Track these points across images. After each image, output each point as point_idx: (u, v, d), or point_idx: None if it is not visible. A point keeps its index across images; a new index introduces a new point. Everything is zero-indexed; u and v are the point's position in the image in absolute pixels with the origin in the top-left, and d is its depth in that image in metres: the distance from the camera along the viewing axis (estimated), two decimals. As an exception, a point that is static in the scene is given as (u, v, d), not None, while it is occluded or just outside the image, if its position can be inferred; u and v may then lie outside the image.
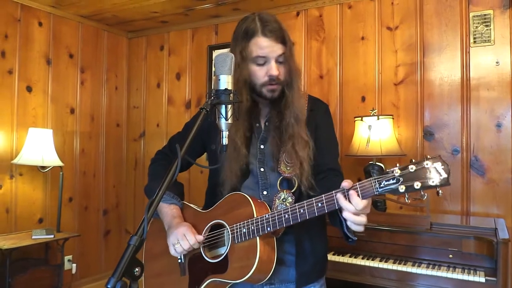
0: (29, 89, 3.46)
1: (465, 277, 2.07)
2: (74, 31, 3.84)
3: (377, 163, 2.72)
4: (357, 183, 1.14)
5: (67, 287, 3.57)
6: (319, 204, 1.19)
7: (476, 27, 2.76)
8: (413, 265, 2.23)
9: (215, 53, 3.71)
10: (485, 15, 2.73)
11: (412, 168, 1.05)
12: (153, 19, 3.90)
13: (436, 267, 2.19)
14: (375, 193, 1.10)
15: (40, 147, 3.19)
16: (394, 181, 1.07)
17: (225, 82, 1.12)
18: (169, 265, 1.44)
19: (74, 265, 3.75)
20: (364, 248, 2.42)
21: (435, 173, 1.03)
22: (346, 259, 2.36)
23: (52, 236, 3.17)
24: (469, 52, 2.79)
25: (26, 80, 3.45)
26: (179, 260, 1.39)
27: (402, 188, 1.06)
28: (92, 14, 3.77)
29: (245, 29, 1.41)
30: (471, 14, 2.78)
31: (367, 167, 2.74)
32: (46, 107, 3.59)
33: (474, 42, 2.77)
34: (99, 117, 4.08)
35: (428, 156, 1.05)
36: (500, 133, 2.68)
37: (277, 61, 1.39)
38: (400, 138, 2.94)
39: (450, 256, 2.20)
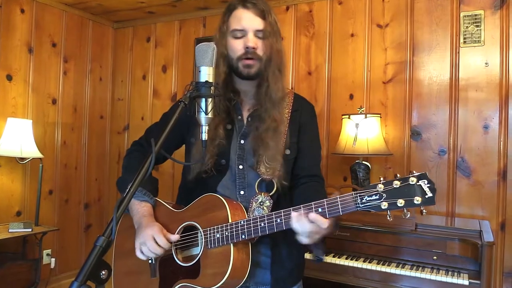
0: (9, 77, 3.35)
1: (449, 279, 2.04)
2: (58, 20, 3.73)
3: (363, 162, 2.69)
4: (338, 196, 1.08)
5: (45, 282, 3.48)
6: None
7: (467, 27, 2.73)
8: (397, 266, 2.20)
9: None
10: (476, 15, 2.71)
11: (396, 184, 1.00)
12: (140, 10, 3.80)
13: (420, 268, 2.17)
14: (357, 209, 1.05)
15: (18, 138, 3.09)
16: (377, 197, 1.02)
17: (206, 74, 1.06)
18: (140, 265, 1.36)
19: (53, 259, 3.66)
20: (348, 248, 2.38)
21: (420, 191, 0.97)
22: (329, 259, 2.32)
23: (30, 229, 3.08)
24: (458, 52, 2.76)
25: (6, 69, 3.33)
26: (150, 261, 1.32)
27: (384, 205, 1.01)
28: (76, 2, 3.66)
29: (228, 5, 1.37)
30: (462, 14, 2.75)
31: (354, 166, 2.71)
32: (26, 97, 3.48)
33: (464, 42, 2.74)
34: (82, 109, 3.98)
35: (414, 172, 0.99)
36: (487, 135, 2.66)
37: (256, 36, 1.32)
38: (387, 137, 2.91)
39: (434, 257, 2.18)
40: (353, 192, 1.06)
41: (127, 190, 0.91)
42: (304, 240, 1.14)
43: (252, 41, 1.31)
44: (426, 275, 2.10)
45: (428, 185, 0.97)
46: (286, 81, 1.41)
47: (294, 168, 1.41)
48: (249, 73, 1.33)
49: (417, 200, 0.97)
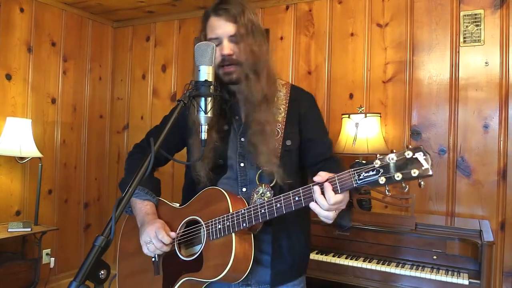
0: (8, 77, 3.35)
1: (449, 279, 2.04)
2: (57, 19, 3.72)
3: (363, 161, 2.68)
4: (336, 175, 1.08)
5: (45, 282, 3.47)
6: (296, 198, 1.13)
7: (467, 26, 2.73)
8: (396, 266, 2.19)
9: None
10: (475, 14, 2.70)
11: (392, 159, 0.99)
12: (139, 9, 3.80)
13: (420, 268, 2.16)
14: (354, 185, 1.05)
15: (18, 138, 3.09)
16: (374, 172, 1.01)
17: (205, 73, 1.06)
18: (143, 264, 1.37)
19: (53, 259, 3.66)
20: (348, 247, 2.38)
21: (417, 163, 0.97)
22: (329, 259, 2.32)
23: (29, 229, 3.08)
24: (458, 51, 2.76)
25: (6, 68, 3.33)
26: (153, 259, 1.33)
27: (382, 180, 1.00)
28: (76, 1, 3.66)
29: (203, 14, 1.37)
30: (461, 13, 2.75)
31: (353, 165, 2.69)
32: (26, 96, 3.48)
33: (464, 41, 2.74)
34: (81, 108, 3.98)
35: (410, 146, 0.99)
36: (487, 134, 2.66)
37: (231, 41, 1.32)
38: (387, 136, 2.90)
39: (434, 257, 2.18)
40: (350, 170, 1.06)
41: (125, 190, 0.91)
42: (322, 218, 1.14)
43: (226, 48, 1.31)
44: (426, 274, 2.09)
45: (424, 157, 0.96)
46: (266, 80, 1.36)
47: (308, 157, 1.41)
48: (231, 79, 1.34)
49: (414, 172, 0.97)
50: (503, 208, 2.60)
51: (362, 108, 2.73)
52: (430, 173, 0.96)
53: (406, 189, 1.00)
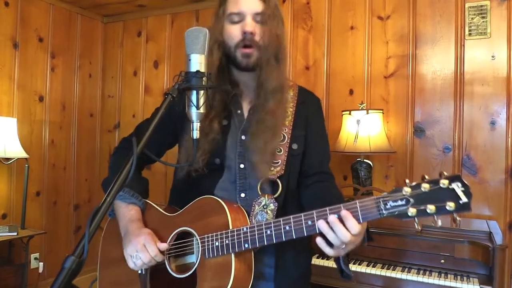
0: (-8, 74, 3.20)
1: (458, 284, 1.94)
2: (45, 14, 3.58)
3: (365, 160, 2.57)
4: (357, 201, 0.93)
5: (33, 287, 3.34)
6: (309, 222, 0.99)
7: (472, 18, 2.61)
8: (402, 271, 2.08)
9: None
10: (481, 6, 2.59)
11: (425, 188, 0.85)
12: (130, 3, 3.66)
13: (427, 273, 2.06)
14: (379, 216, 0.90)
15: (2, 137, 2.94)
16: (403, 202, 0.88)
17: (197, 63, 0.94)
18: (128, 275, 1.21)
19: (41, 263, 3.52)
20: (350, 251, 2.26)
21: (453, 195, 0.83)
22: (331, 263, 2.20)
23: (15, 233, 2.94)
24: (463, 45, 2.64)
25: (-10, 65, 3.19)
26: (140, 272, 1.18)
27: (412, 212, 0.87)
28: (63, -5, 3.52)
29: None
30: (466, 5, 2.63)
31: (355, 164, 2.59)
32: (12, 95, 3.33)
33: (469, 34, 2.62)
34: (70, 106, 3.84)
35: (445, 174, 0.85)
36: (494, 131, 2.55)
37: (254, 19, 1.18)
38: (389, 134, 2.78)
39: (442, 261, 2.07)
40: (375, 197, 0.92)
41: (103, 199, 0.78)
42: (331, 250, 1.01)
43: (250, 25, 1.18)
44: (433, 280, 1.99)
45: (462, 188, 0.83)
46: (285, 69, 1.26)
47: (301, 165, 1.27)
48: (248, 63, 1.20)
49: (450, 206, 0.83)
50: (511, 208, 2.49)
51: (363, 105, 2.61)
52: (469, 208, 0.82)
53: (439, 223, 0.86)
